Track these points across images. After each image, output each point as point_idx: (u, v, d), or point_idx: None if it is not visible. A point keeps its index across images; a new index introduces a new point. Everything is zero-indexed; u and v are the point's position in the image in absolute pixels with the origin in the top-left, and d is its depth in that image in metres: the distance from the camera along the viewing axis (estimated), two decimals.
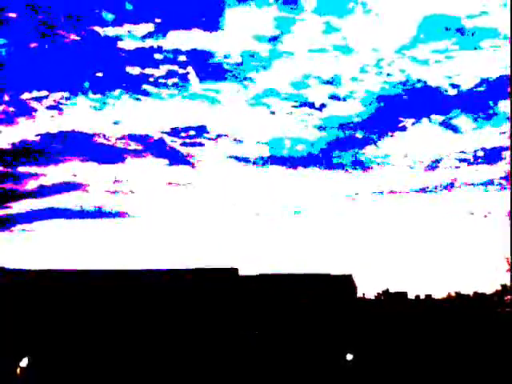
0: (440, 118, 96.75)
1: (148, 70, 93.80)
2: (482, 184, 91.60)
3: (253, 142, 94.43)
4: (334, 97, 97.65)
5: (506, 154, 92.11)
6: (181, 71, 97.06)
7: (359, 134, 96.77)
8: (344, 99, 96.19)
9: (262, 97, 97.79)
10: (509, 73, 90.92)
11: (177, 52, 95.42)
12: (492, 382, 45.70)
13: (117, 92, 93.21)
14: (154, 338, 47.18)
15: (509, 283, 42.69)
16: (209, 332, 47.12)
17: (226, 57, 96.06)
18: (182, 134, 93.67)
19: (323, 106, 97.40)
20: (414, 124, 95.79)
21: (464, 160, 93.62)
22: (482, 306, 47.49)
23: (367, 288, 53.12)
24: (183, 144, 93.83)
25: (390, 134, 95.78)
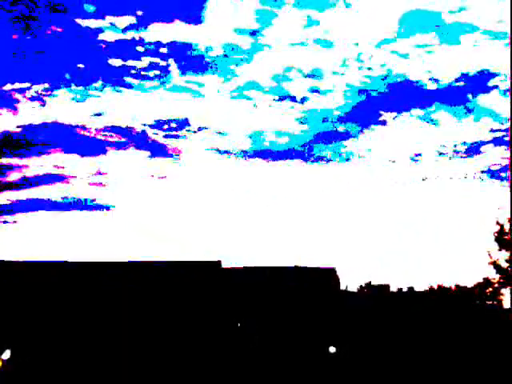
0: (420, 112, 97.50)
1: (130, 62, 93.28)
2: (462, 177, 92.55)
3: (235, 134, 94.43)
4: (315, 90, 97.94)
5: (486, 147, 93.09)
6: (162, 63, 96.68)
7: (340, 128, 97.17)
8: (325, 93, 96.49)
9: (243, 90, 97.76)
10: (496, 69, 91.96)
11: (158, 44, 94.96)
12: (474, 373, 46.34)
13: (99, 84, 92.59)
14: (137, 332, 47.11)
15: (490, 276, 43.27)
16: (191, 325, 47.15)
17: (207, 49, 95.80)
18: (165, 127, 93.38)
19: (304, 99, 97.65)
20: (394, 118, 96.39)
21: (444, 153, 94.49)
22: (464, 298, 48.07)
23: (350, 281, 53.49)
24: (165, 136, 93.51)
25: (371, 127, 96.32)
